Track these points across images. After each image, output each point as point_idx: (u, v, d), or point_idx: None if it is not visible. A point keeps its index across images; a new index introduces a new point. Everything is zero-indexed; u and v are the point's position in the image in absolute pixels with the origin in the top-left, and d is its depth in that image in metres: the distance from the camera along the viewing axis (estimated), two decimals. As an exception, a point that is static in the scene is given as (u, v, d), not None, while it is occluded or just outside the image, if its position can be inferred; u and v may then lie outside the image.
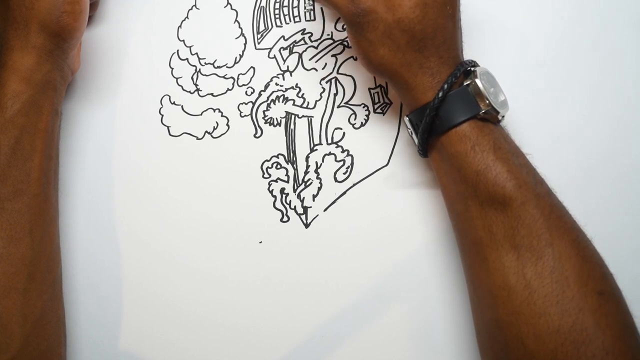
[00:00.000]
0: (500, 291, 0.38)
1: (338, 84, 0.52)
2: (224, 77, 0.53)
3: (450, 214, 0.44)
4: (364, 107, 0.52)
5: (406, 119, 0.45)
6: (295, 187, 0.51)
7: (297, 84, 0.53)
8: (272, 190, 0.51)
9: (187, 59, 0.54)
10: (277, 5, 0.54)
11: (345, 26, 0.49)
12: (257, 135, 0.52)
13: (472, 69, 0.43)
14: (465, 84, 0.42)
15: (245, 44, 0.54)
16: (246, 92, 0.53)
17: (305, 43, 0.53)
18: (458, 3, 0.45)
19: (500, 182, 0.40)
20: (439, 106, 0.42)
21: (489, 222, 0.40)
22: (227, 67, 0.53)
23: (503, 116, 0.43)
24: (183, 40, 0.54)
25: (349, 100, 0.52)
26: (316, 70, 0.53)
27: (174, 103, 0.53)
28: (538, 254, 0.38)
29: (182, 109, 0.53)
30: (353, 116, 0.52)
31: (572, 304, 0.36)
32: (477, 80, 0.42)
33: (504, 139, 0.42)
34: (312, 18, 0.54)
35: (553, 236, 0.38)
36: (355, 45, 0.45)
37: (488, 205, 0.40)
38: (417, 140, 0.44)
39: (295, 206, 0.51)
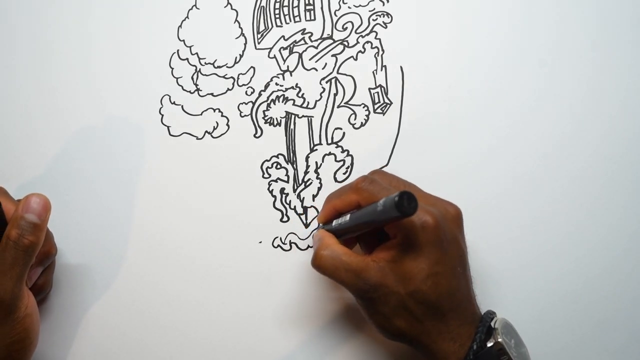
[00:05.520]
0: None
1: (338, 84, 0.52)
2: (224, 77, 0.53)
3: None
4: (364, 107, 0.52)
5: None
6: (295, 187, 0.51)
7: (297, 84, 0.53)
8: (272, 190, 0.51)
9: (187, 58, 0.54)
10: (277, 5, 0.54)
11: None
12: (257, 135, 0.52)
13: (493, 325, 0.41)
14: (488, 345, 0.40)
15: (245, 44, 0.54)
16: (246, 92, 0.53)
17: (305, 43, 0.53)
18: (467, 258, 0.43)
19: None
20: None
21: None
22: (227, 67, 0.53)
23: None
24: (183, 40, 0.54)
25: (349, 100, 0.52)
26: (316, 70, 0.53)
27: (174, 103, 0.53)
28: None
29: (182, 108, 0.53)
30: (353, 116, 0.52)
31: None
32: (500, 340, 0.40)
33: None
34: (312, 18, 0.54)
35: None
36: (368, 317, 0.43)
37: None
38: None
39: (295, 206, 0.51)
